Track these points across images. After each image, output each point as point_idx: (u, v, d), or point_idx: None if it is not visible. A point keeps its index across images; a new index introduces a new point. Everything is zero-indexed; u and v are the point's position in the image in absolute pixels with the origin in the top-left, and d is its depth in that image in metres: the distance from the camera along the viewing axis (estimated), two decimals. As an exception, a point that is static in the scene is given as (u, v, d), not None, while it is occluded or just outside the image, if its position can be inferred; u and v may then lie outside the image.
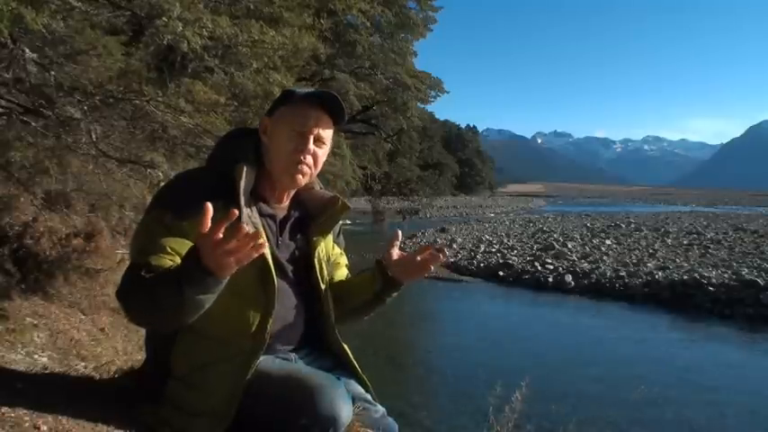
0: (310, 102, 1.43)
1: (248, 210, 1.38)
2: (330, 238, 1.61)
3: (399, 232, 1.60)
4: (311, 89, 1.46)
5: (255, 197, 1.44)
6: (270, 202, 1.48)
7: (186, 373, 1.33)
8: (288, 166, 1.43)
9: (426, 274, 1.52)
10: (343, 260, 1.70)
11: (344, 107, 1.45)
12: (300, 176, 1.44)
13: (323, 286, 1.52)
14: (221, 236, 1.06)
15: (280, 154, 1.43)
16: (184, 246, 1.23)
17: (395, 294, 1.58)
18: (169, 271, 1.18)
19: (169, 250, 1.26)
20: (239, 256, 1.08)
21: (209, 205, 1.09)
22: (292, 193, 1.53)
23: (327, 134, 1.47)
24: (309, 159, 1.44)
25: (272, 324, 1.36)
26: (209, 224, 1.07)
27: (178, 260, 1.23)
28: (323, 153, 1.48)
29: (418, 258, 1.50)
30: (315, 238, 1.53)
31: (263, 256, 1.34)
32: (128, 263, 1.35)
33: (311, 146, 1.43)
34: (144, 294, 1.18)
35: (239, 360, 1.34)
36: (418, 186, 37.96)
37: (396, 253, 1.54)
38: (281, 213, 1.50)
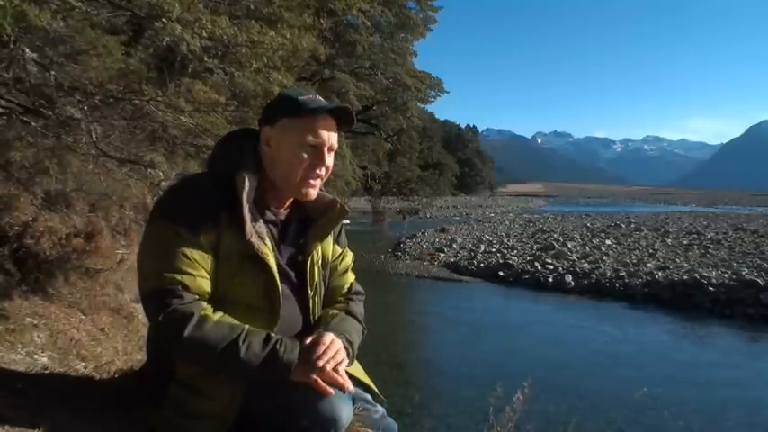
0: (326, 116, 1.40)
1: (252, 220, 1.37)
2: (329, 240, 1.57)
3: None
4: (319, 102, 1.40)
5: (257, 204, 1.41)
6: (271, 207, 1.46)
7: (188, 376, 1.33)
8: (301, 181, 1.40)
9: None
10: (347, 262, 1.65)
11: (354, 118, 1.44)
12: (313, 191, 1.43)
13: (311, 293, 1.50)
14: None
15: (291, 168, 1.39)
16: (205, 259, 1.30)
17: None
18: (234, 341, 1.25)
19: (197, 266, 1.29)
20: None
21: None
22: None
23: (337, 143, 1.46)
24: (323, 171, 1.43)
25: (276, 331, 1.35)
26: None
27: (204, 274, 1.29)
28: (333, 161, 1.47)
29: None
30: (311, 244, 1.50)
31: (268, 268, 1.35)
32: (128, 264, 1.36)
33: (330, 161, 1.43)
34: (210, 355, 1.24)
35: None
36: (418, 186, 38.00)
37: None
38: (282, 218, 1.48)
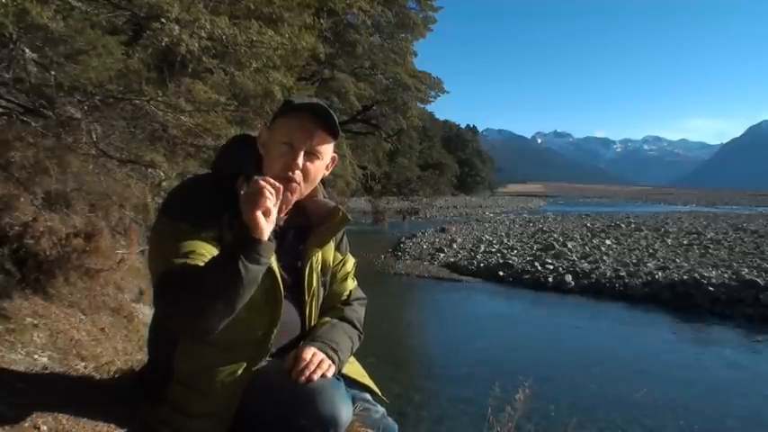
0: (302, 114, 1.38)
1: None
2: (330, 246, 1.56)
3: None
4: (306, 100, 1.40)
5: None
6: None
7: (188, 376, 1.34)
8: (275, 180, 1.39)
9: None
10: (346, 269, 1.63)
11: (335, 121, 1.40)
12: (288, 193, 1.38)
13: (307, 298, 1.49)
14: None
15: (271, 168, 1.39)
16: (210, 250, 1.29)
17: None
18: (215, 258, 1.23)
19: (200, 252, 1.28)
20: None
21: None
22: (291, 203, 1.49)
23: (322, 148, 1.41)
24: (298, 174, 1.38)
25: (276, 335, 1.36)
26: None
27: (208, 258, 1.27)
28: (316, 167, 1.42)
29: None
30: (310, 250, 1.49)
31: (271, 272, 1.35)
32: (128, 264, 1.36)
33: (300, 160, 1.37)
34: (195, 289, 1.19)
35: (242, 366, 1.35)
36: (418, 186, 38.06)
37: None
38: (281, 223, 1.46)
